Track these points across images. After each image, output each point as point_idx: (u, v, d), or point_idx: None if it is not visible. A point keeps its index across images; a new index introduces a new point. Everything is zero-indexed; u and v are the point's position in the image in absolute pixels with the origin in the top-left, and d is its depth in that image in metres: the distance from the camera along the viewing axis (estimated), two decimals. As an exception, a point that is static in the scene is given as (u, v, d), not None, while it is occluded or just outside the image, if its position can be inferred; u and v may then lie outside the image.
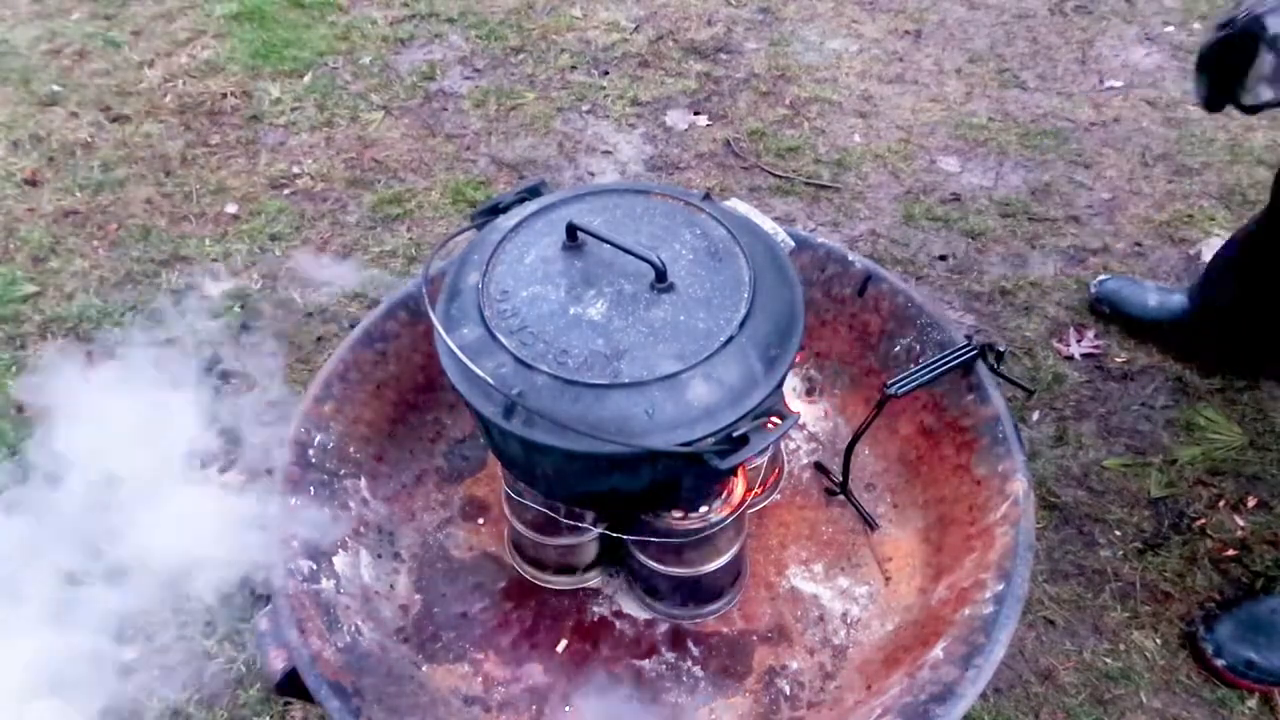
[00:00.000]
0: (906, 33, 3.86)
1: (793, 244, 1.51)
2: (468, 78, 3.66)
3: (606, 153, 3.29)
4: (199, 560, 1.26)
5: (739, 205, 1.43)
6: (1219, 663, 1.87)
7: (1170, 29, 3.79)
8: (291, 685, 1.25)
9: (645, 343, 1.12)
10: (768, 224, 1.41)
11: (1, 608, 1.20)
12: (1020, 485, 1.38)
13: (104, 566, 1.22)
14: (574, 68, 3.69)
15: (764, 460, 1.57)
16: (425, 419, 1.74)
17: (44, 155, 3.26)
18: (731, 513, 1.39)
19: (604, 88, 3.57)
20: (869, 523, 1.59)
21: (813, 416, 1.78)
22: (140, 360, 1.64)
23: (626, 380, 1.09)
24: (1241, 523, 2.15)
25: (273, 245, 2.91)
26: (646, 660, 1.46)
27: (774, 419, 1.13)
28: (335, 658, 1.27)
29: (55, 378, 1.90)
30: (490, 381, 1.10)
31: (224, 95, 3.53)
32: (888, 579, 1.53)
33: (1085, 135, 3.28)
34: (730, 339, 1.12)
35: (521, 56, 3.76)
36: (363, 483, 1.58)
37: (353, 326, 1.82)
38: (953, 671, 1.20)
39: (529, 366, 1.11)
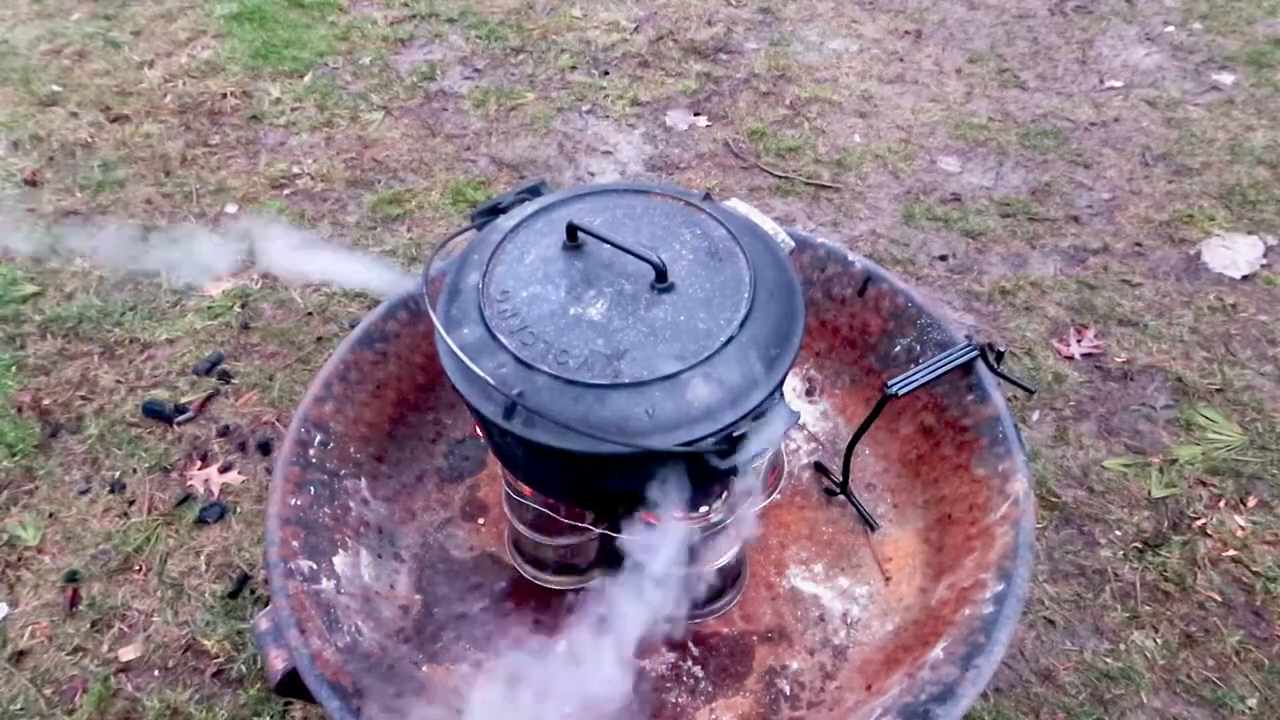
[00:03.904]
0: (906, 33, 3.86)
1: (793, 244, 1.51)
2: (468, 78, 3.66)
3: (606, 153, 3.29)
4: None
5: (739, 205, 1.43)
6: None
7: (1170, 29, 3.79)
8: (291, 685, 1.24)
9: (645, 343, 1.12)
10: (768, 224, 1.41)
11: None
12: (1020, 485, 1.38)
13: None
14: (574, 68, 3.69)
15: (764, 460, 1.57)
16: (425, 419, 1.74)
17: (44, 155, 3.26)
18: (731, 513, 1.39)
19: (604, 88, 3.57)
20: (869, 523, 1.59)
21: (813, 416, 1.78)
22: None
23: (627, 380, 1.09)
24: (1241, 523, 2.15)
25: (273, 245, 2.91)
26: (646, 660, 1.46)
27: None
28: (335, 658, 1.27)
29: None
30: (491, 381, 1.10)
31: (224, 95, 3.53)
32: (888, 579, 1.53)
33: (1085, 135, 3.29)
34: (730, 339, 1.12)
35: (521, 56, 3.76)
36: (363, 483, 1.58)
37: (353, 326, 1.82)
38: (953, 671, 1.20)
39: (529, 366, 1.11)
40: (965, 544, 1.43)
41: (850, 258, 1.71)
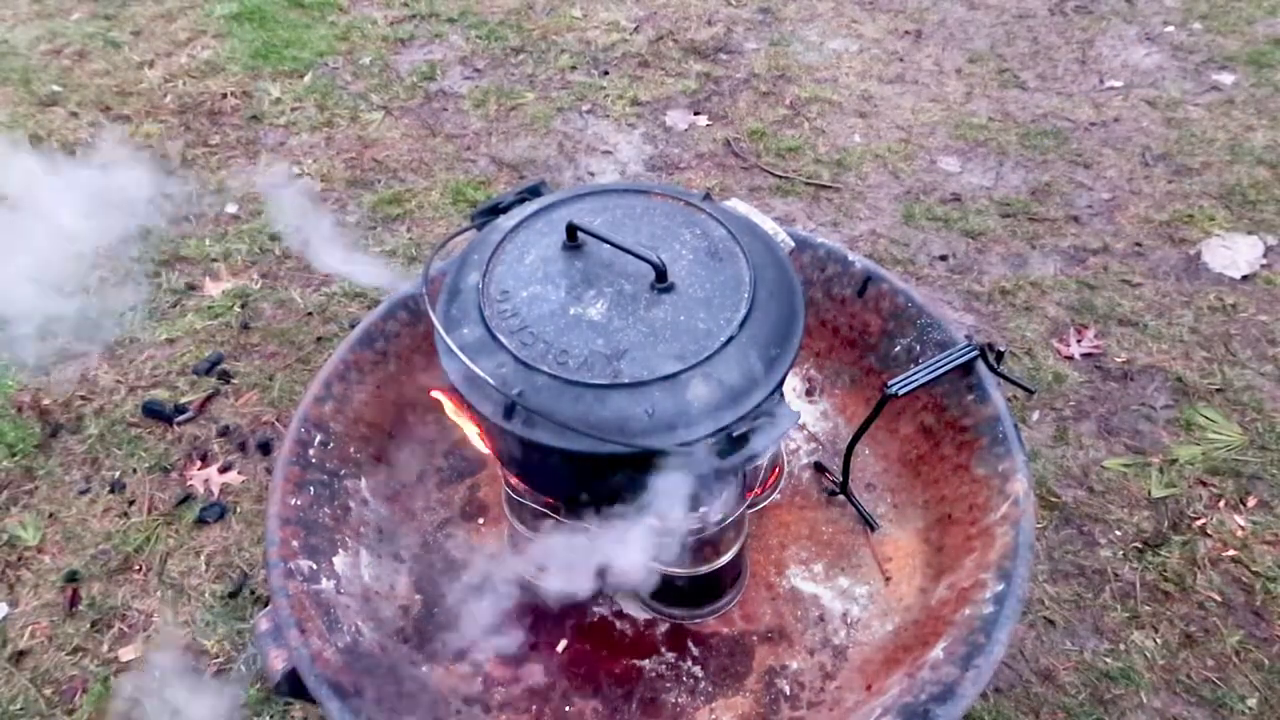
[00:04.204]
0: (906, 33, 3.86)
1: (793, 244, 1.51)
2: (468, 78, 3.66)
3: (606, 153, 3.29)
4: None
5: (739, 205, 1.43)
6: None
7: (1170, 29, 3.79)
8: (291, 685, 1.24)
9: (645, 343, 1.12)
10: (768, 224, 1.41)
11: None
12: (1020, 485, 1.38)
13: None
14: (574, 68, 3.69)
15: (764, 460, 1.57)
16: (425, 419, 1.74)
17: (44, 155, 3.26)
18: (731, 513, 1.39)
19: (604, 88, 3.57)
20: (869, 523, 1.59)
21: (813, 416, 1.78)
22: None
23: (626, 380, 1.09)
24: (1241, 522, 2.15)
25: (273, 245, 2.91)
26: (646, 660, 1.46)
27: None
28: (335, 658, 1.27)
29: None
30: (491, 381, 1.10)
31: (224, 95, 3.53)
32: (888, 579, 1.53)
33: (1085, 135, 3.29)
34: (730, 339, 1.12)
35: (521, 56, 3.76)
36: (363, 483, 1.58)
37: (353, 326, 1.82)
38: (953, 671, 1.20)
39: (529, 366, 1.11)
40: (965, 544, 1.43)
41: (850, 258, 1.71)
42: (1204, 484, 2.22)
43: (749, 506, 1.52)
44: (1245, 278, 2.74)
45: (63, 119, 3.41)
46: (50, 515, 2.22)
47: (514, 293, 1.19)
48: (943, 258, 2.84)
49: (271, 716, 1.88)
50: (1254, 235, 2.86)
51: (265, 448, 2.35)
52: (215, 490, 2.26)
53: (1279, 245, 2.82)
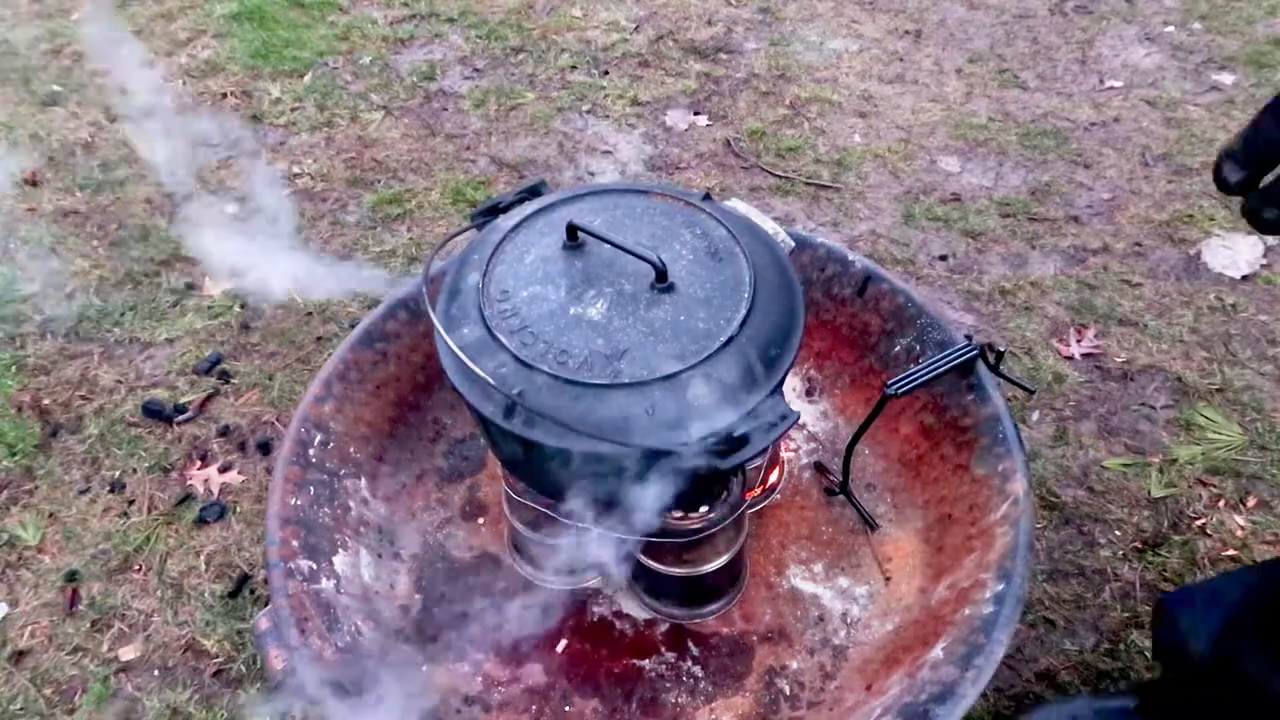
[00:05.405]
0: (906, 33, 3.86)
1: (793, 244, 1.51)
2: (468, 78, 3.66)
3: (606, 153, 3.29)
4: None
5: (739, 205, 1.43)
6: None
7: (1170, 29, 3.79)
8: (291, 685, 1.24)
9: (645, 343, 1.12)
10: (768, 224, 1.41)
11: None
12: (1020, 485, 1.38)
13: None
14: (574, 68, 3.69)
15: (764, 460, 1.57)
16: (425, 419, 1.74)
17: (44, 155, 3.26)
18: (731, 513, 1.39)
19: (604, 88, 3.57)
20: (869, 523, 1.59)
21: (813, 416, 1.78)
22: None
23: (627, 380, 1.09)
24: (1241, 522, 2.14)
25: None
26: (646, 660, 1.46)
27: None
28: (335, 658, 1.27)
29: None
30: (491, 381, 1.10)
31: (224, 95, 3.53)
32: (888, 579, 1.53)
33: (1085, 135, 3.29)
34: (730, 339, 1.12)
35: (521, 56, 3.76)
36: (363, 483, 1.58)
37: (353, 326, 1.82)
38: (953, 672, 1.20)
39: (529, 366, 1.11)
40: (965, 544, 1.43)
41: (850, 257, 1.71)
42: (1204, 484, 2.22)
43: (749, 506, 1.52)
44: (1245, 278, 2.74)
45: (63, 119, 3.41)
46: (50, 515, 2.22)
47: (514, 292, 1.19)
48: (943, 258, 2.84)
49: (271, 717, 1.88)
50: (1254, 235, 2.86)
51: (265, 448, 2.35)
52: (215, 490, 2.26)
53: (1279, 245, 2.82)
